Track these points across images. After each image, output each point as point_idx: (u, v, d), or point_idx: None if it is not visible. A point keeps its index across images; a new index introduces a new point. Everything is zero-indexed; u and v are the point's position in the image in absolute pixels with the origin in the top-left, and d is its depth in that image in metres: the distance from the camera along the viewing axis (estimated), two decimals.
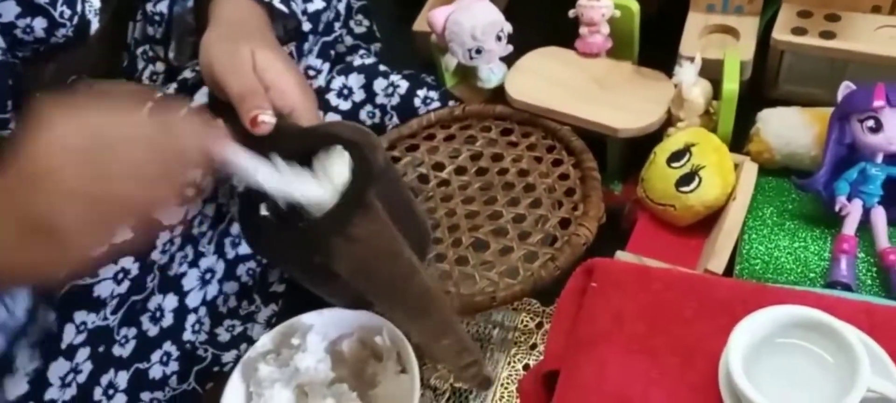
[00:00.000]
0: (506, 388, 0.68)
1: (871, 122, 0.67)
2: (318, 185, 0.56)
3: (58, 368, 0.55)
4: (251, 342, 0.67)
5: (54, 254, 0.47)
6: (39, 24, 0.65)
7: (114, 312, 0.63)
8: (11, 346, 0.54)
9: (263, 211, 0.57)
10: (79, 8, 0.68)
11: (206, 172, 0.52)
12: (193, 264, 0.69)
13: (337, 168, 0.57)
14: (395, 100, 0.87)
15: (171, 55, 0.74)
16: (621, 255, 0.69)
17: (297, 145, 0.59)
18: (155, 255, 0.62)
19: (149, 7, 0.74)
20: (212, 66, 0.61)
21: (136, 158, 0.47)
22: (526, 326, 0.71)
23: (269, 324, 0.75)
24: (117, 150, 0.46)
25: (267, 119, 0.58)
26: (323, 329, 0.66)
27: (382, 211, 0.56)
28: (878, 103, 0.66)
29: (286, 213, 0.57)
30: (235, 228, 0.73)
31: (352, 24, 0.94)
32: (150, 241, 0.59)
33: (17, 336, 0.55)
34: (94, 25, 0.71)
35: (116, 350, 0.63)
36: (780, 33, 0.80)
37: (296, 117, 0.61)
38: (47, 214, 0.45)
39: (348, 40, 0.93)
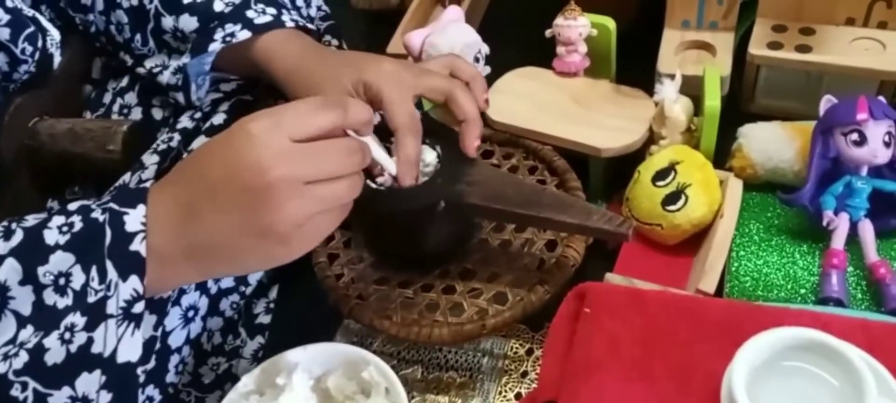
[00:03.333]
0: None
1: (855, 136, 0.67)
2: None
3: None
4: (236, 381, 0.64)
5: (286, 256, 0.53)
6: (0, 60, 0.63)
7: None
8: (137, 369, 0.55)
9: (372, 185, 0.65)
10: (39, 43, 0.66)
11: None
12: (176, 302, 0.66)
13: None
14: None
15: (194, 97, 0.75)
16: (611, 277, 0.68)
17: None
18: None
19: (174, 63, 0.74)
20: None
21: (335, 157, 0.52)
22: (516, 353, 0.70)
23: (256, 359, 0.73)
24: (322, 154, 0.52)
25: (383, 180, 0.66)
26: (308, 365, 0.64)
27: (487, 165, 0.70)
28: (861, 116, 0.66)
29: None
30: None
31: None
32: None
33: None
34: (57, 59, 0.69)
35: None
36: (757, 48, 0.80)
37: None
38: (284, 224, 0.50)
39: None
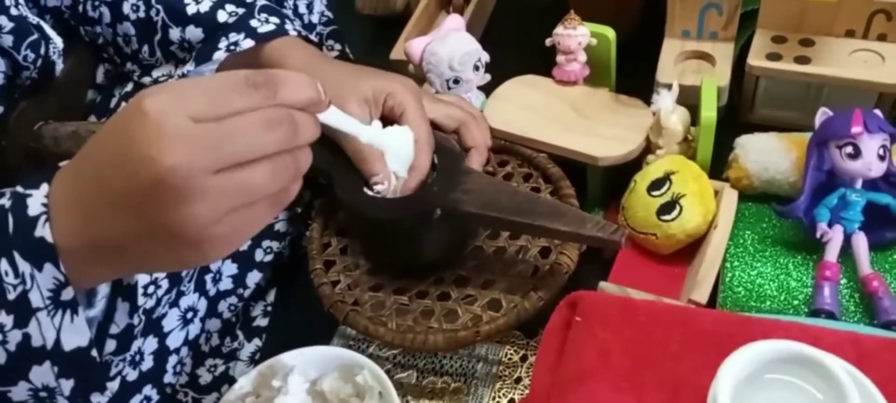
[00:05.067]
0: None
1: (849, 149, 0.67)
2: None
3: None
4: (233, 383, 0.65)
5: (203, 259, 0.45)
6: (1, 66, 0.64)
7: None
8: (100, 340, 0.51)
9: (369, 193, 0.67)
10: (42, 50, 0.67)
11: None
12: (174, 304, 0.67)
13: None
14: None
15: None
16: (605, 286, 0.68)
17: None
18: (142, 300, 0.61)
19: (179, 72, 0.75)
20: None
21: (250, 134, 0.43)
22: (510, 359, 0.71)
23: (253, 361, 0.74)
24: (233, 133, 0.42)
25: (381, 188, 0.67)
26: (304, 368, 0.65)
27: (481, 174, 0.71)
28: (856, 129, 0.66)
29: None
30: (215, 264, 0.72)
31: (324, 50, 0.93)
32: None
33: (102, 329, 0.52)
34: (59, 66, 0.70)
35: (95, 397, 0.62)
36: (756, 59, 0.80)
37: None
38: (191, 226, 0.42)
39: None
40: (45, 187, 0.46)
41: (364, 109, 0.68)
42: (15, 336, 0.46)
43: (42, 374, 0.48)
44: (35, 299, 0.46)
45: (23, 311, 0.46)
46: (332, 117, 0.53)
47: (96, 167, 0.44)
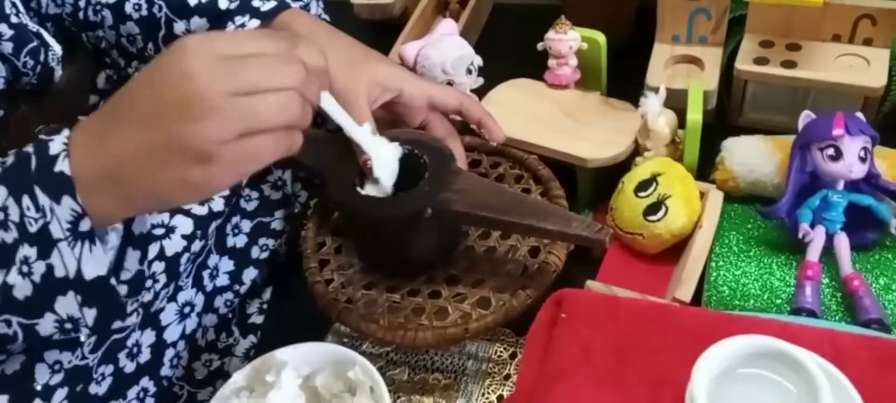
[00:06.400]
0: None
1: (831, 151, 0.68)
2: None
3: None
4: (227, 378, 0.67)
5: (206, 182, 0.49)
6: (2, 72, 0.66)
7: (93, 351, 0.63)
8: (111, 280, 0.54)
9: (363, 192, 0.68)
10: (42, 57, 0.69)
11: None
12: (172, 298, 0.69)
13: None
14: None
15: None
16: (591, 285, 0.70)
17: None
18: (148, 283, 0.64)
19: None
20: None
21: (265, 67, 0.49)
22: (500, 357, 0.72)
23: (248, 357, 0.75)
24: (251, 64, 0.48)
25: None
26: (297, 364, 0.67)
27: (472, 174, 0.74)
28: (837, 132, 0.68)
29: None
30: (213, 260, 0.73)
31: None
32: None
33: (114, 271, 0.55)
34: (58, 73, 0.72)
35: (93, 389, 0.64)
36: (743, 63, 0.82)
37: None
38: (202, 139, 0.46)
39: None
40: (65, 132, 0.50)
41: (372, 91, 0.71)
42: (39, 268, 0.50)
43: (67, 304, 0.51)
44: (55, 231, 0.49)
45: (45, 243, 0.49)
46: (330, 104, 0.59)
47: (126, 92, 0.50)
